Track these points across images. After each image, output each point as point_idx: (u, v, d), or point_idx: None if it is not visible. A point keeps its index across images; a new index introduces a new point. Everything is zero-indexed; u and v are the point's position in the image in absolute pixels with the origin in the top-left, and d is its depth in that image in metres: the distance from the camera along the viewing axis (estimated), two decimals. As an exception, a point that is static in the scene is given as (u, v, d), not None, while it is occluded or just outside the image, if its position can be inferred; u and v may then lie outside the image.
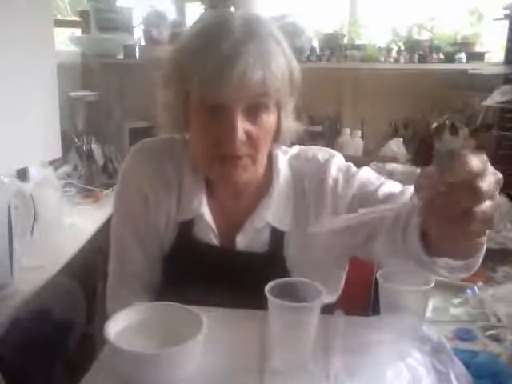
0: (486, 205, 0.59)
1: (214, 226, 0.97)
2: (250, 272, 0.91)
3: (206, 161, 0.91)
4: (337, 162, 1.00)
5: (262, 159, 0.94)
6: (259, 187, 0.99)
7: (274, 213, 0.96)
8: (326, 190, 0.97)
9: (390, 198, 0.90)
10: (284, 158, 1.02)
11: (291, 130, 0.97)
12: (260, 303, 0.74)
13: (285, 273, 0.94)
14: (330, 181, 0.97)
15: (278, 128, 0.93)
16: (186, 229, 0.98)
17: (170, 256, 1.00)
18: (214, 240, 0.98)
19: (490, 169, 0.59)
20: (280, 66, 0.86)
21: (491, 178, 0.58)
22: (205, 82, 0.84)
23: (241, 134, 0.85)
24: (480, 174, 0.57)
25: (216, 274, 0.93)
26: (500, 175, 0.60)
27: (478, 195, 0.57)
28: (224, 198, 0.99)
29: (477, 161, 0.58)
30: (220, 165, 0.89)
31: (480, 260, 0.79)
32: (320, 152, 1.02)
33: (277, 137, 0.95)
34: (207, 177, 0.98)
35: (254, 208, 0.97)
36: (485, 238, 0.73)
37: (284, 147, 1.03)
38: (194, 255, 0.97)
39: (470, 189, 0.57)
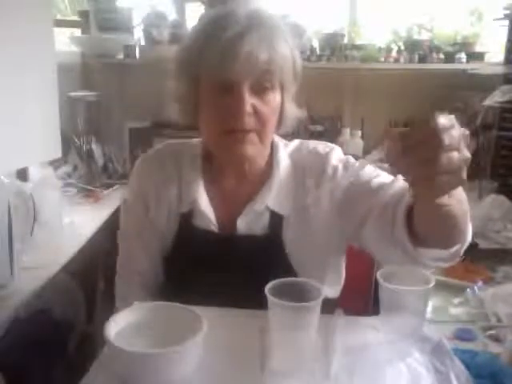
0: (452, 154, 0.63)
1: (211, 213, 1.01)
2: (251, 254, 0.97)
3: (217, 138, 0.96)
4: (337, 154, 1.05)
5: (268, 138, 0.99)
6: (261, 175, 1.03)
7: (273, 198, 1.01)
8: (325, 178, 1.01)
9: (382, 187, 0.96)
10: (285, 150, 1.06)
11: (293, 115, 1.02)
12: (261, 286, 0.76)
13: (284, 255, 0.99)
14: (330, 169, 1.01)
15: (281, 111, 0.99)
16: (186, 219, 1.02)
17: (172, 248, 1.04)
18: (213, 226, 1.01)
19: (456, 126, 0.64)
20: (283, 48, 0.93)
21: (455, 132, 0.63)
22: (214, 62, 0.90)
23: (248, 108, 0.91)
24: (444, 128, 0.62)
25: (217, 260, 0.97)
26: (466, 132, 0.65)
27: (441, 144, 0.62)
28: (227, 185, 1.04)
29: (443, 118, 0.63)
30: (229, 139, 0.94)
31: (462, 250, 0.85)
32: (320, 145, 1.07)
33: (280, 120, 1.00)
34: (205, 166, 1.04)
35: (254, 193, 1.02)
36: (468, 228, 0.82)
37: (284, 141, 1.08)
38: (194, 244, 1.01)
39: (434, 138, 0.62)
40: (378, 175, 1.00)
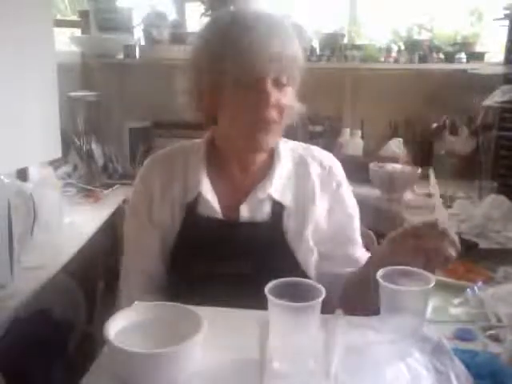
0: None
1: (215, 201, 1.07)
2: (252, 240, 1.03)
3: (242, 129, 1.02)
4: (340, 169, 1.16)
5: (281, 129, 1.06)
6: (264, 165, 1.11)
7: (275, 187, 1.08)
8: (330, 188, 1.13)
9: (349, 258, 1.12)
10: (286, 145, 1.15)
11: (295, 108, 1.09)
12: (264, 270, 0.87)
13: (285, 242, 1.06)
14: (334, 183, 1.13)
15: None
16: (190, 209, 1.07)
17: (178, 237, 1.08)
18: (217, 214, 1.06)
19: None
20: (297, 46, 1.02)
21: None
22: (245, 61, 0.97)
23: (273, 100, 0.99)
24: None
25: (221, 245, 1.02)
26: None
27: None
28: (231, 175, 1.10)
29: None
30: (254, 129, 1.01)
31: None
32: (325, 155, 1.17)
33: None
34: (209, 159, 1.11)
35: (257, 183, 1.09)
36: None
37: (284, 139, 1.15)
38: (199, 231, 1.06)
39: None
40: (356, 243, 1.13)
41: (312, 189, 1.11)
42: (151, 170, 1.13)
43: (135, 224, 1.13)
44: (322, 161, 1.15)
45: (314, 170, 1.13)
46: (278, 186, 1.09)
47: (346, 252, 1.12)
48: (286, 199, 1.08)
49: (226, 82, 1.00)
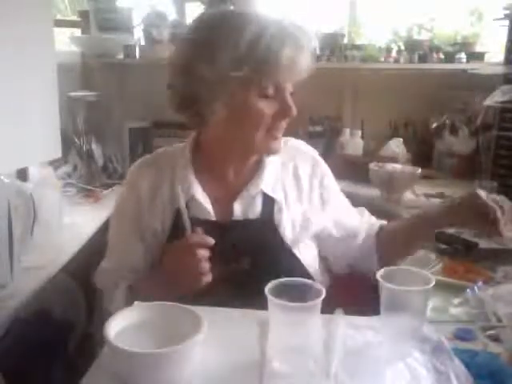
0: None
1: (207, 203, 1.07)
2: (247, 238, 1.04)
3: (257, 137, 1.02)
4: (321, 160, 1.20)
5: None
6: (253, 163, 1.11)
7: (266, 182, 1.09)
8: (318, 181, 1.16)
9: (352, 232, 1.19)
10: None
11: None
12: (260, 268, 0.93)
13: (279, 237, 1.07)
14: (321, 176, 1.16)
15: None
16: (182, 213, 1.03)
17: (169, 241, 1.06)
18: (210, 215, 1.06)
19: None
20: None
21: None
22: (271, 70, 0.96)
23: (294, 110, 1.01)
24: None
25: (216, 246, 0.99)
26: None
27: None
28: (222, 175, 1.10)
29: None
30: (271, 138, 1.03)
31: None
32: (309, 148, 1.20)
33: None
34: (197, 161, 1.10)
35: (249, 180, 1.10)
36: None
37: None
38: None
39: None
40: (350, 215, 1.19)
41: (301, 183, 1.13)
42: (138, 176, 1.12)
43: (120, 232, 1.13)
44: (308, 154, 1.17)
45: (302, 164, 1.15)
46: (269, 182, 1.10)
47: (349, 240, 1.17)
48: (277, 194, 1.10)
49: (241, 88, 0.97)
